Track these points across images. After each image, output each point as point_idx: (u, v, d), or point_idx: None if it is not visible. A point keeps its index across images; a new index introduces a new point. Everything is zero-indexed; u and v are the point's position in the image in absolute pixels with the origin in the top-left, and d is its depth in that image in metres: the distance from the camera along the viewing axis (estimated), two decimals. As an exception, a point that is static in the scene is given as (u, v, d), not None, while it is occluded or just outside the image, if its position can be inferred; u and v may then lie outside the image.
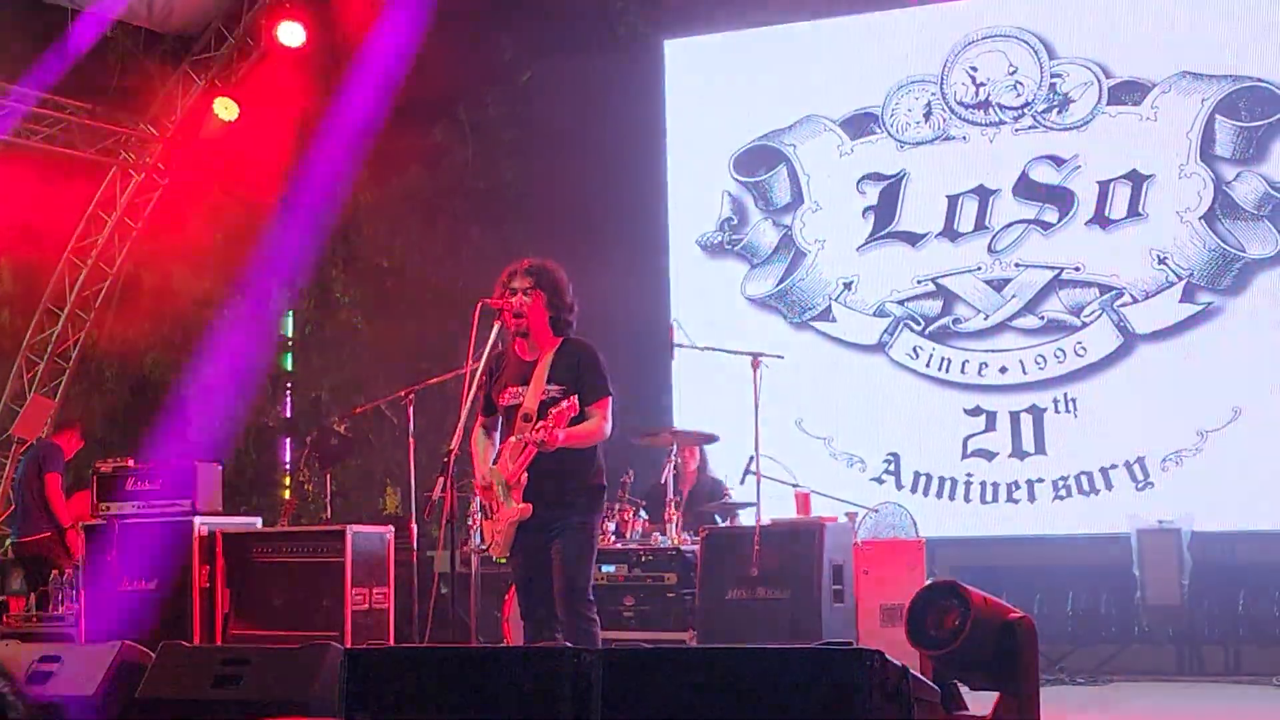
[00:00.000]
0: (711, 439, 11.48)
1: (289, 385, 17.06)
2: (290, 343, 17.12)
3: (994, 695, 6.72)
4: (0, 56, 14.48)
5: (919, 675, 5.47)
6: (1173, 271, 12.27)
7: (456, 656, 6.15)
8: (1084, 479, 12.37)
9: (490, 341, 7.41)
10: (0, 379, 16.44)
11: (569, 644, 6.85)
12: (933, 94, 13.15)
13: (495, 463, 7.41)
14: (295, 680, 7.13)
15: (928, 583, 6.77)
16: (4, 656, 8.27)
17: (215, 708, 7.07)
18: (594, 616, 7.28)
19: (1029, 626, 6.52)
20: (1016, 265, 12.77)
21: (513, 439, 7.28)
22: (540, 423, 7.12)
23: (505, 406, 7.42)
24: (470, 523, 10.40)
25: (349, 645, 8.92)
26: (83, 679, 7.87)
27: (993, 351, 12.82)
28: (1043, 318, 12.66)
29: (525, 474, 7.18)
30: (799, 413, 13.08)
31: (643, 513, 10.88)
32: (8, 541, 15.02)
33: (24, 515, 12.74)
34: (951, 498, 12.76)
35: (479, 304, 7.40)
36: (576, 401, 7.12)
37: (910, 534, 11.05)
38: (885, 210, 13.24)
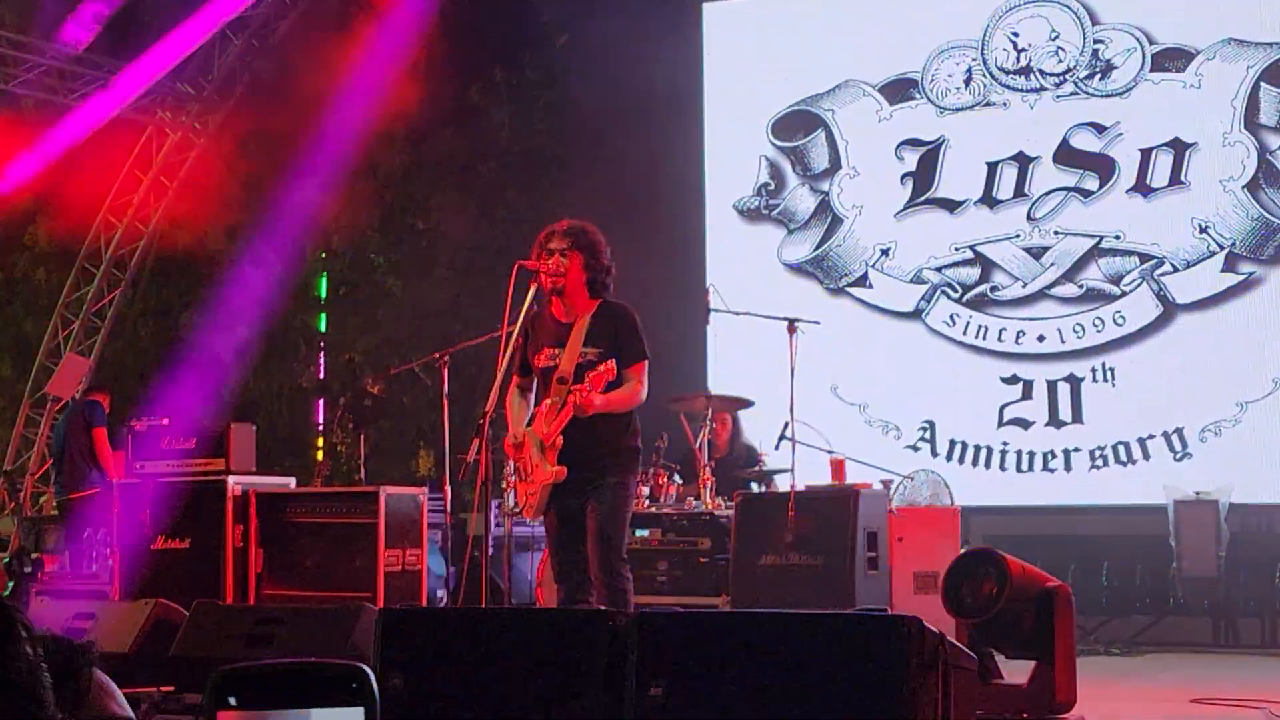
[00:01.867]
0: (747, 404, 11.47)
1: (323, 346, 17.09)
2: (324, 304, 17.15)
3: (1028, 664, 6.72)
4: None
5: (955, 642, 5.46)
6: (1214, 241, 12.19)
7: (492, 618, 6.16)
8: (1121, 449, 12.32)
9: (526, 303, 7.40)
10: (35, 337, 16.51)
11: (603, 606, 6.86)
12: (973, 59, 13.07)
13: (530, 425, 7.41)
14: (328, 640, 7.17)
15: (964, 550, 6.76)
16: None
17: (248, 666, 7.08)
18: (628, 578, 7.28)
19: (1066, 595, 6.52)
20: (1056, 233, 12.70)
21: (548, 401, 7.28)
22: (577, 386, 7.11)
23: (541, 368, 7.41)
24: (505, 485, 10.42)
25: (381, 606, 8.95)
26: (117, 636, 7.92)
27: (1030, 320, 12.76)
28: (1082, 286, 12.59)
29: (560, 437, 7.18)
30: (834, 379, 13.05)
31: (677, 477, 10.88)
32: (42, 499, 15.09)
33: (71, 471, 12.78)
34: (987, 466, 12.73)
35: (516, 265, 7.40)
36: (614, 365, 7.10)
37: (945, 502, 11.02)
38: (924, 176, 13.18)
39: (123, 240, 16.29)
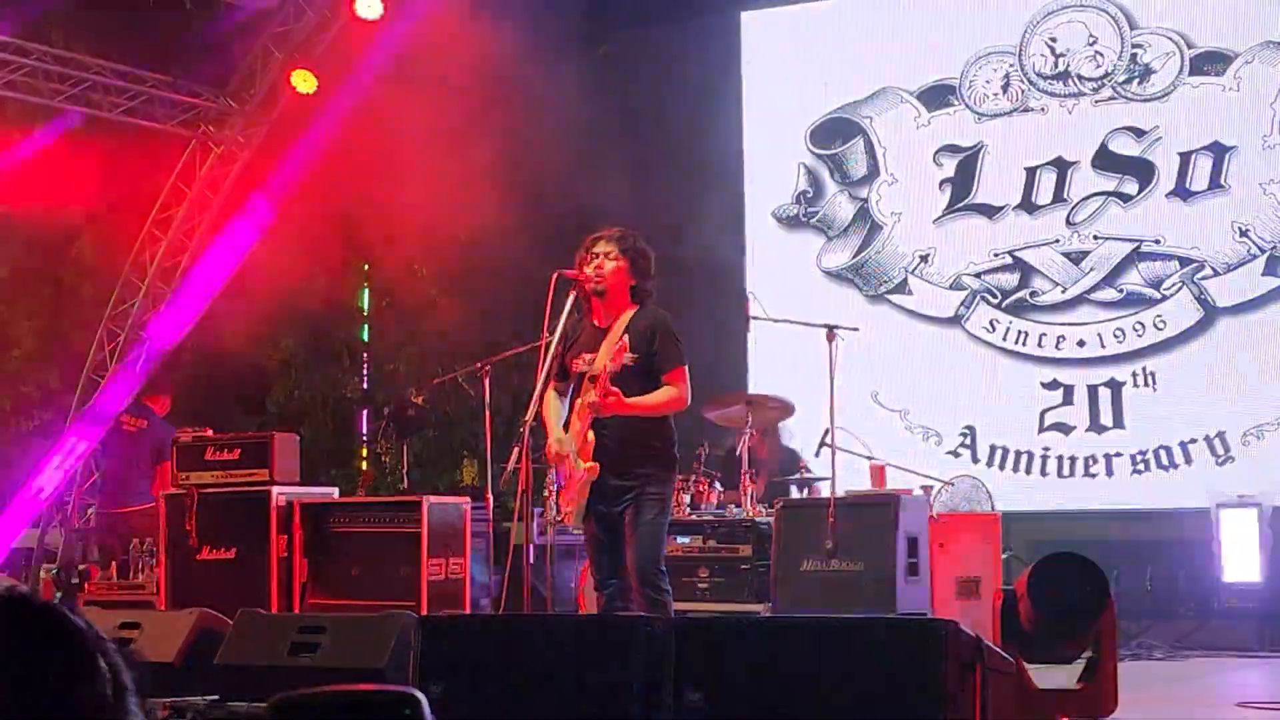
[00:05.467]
0: (788, 409, 11.45)
1: (366, 357, 17.13)
2: (367, 315, 17.20)
3: (1049, 669, 6.70)
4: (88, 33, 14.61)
5: (994, 646, 5.44)
6: (1255, 244, 12.12)
7: (528, 624, 6.17)
8: (1163, 453, 12.26)
9: (565, 311, 7.41)
10: (82, 351, 16.57)
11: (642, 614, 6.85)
12: (1011, 65, 13.03)
13: (565, 429, 7.43)
14: (371, 648, 7.18)
15: (1052, 553, 6.69)
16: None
17: (291, 674, 7.12)
18: (666, 588, 7.27)
19: (1111, 601, 6.49)
20: (1095, 238, 12.65)
21: (579, 400, 7.30)
22: (603, 371, 7.12)
23: (578, 373, 7.44)
24: (546, 493, 10.42)
25: (424, 615, 8.96)
26: (162, 646, 7.96)
27: (1070, 325, 12.72)
28: (1122, 291, 12.54)
29: (592, 435, 7.19)
30: (874, 385, 13.02)
31: (718, 484, 10.87)
32: (90, 510, 15.14)
33: (133, 486, 12.75)
34: (1028, 471, 12.68)
35: (555, 275, 7.41)
36: (626, 342, 7.13)
37: (986, 507, 10.98)
38: (962, 182, 13.15)
39: (167, 254, 16.34)
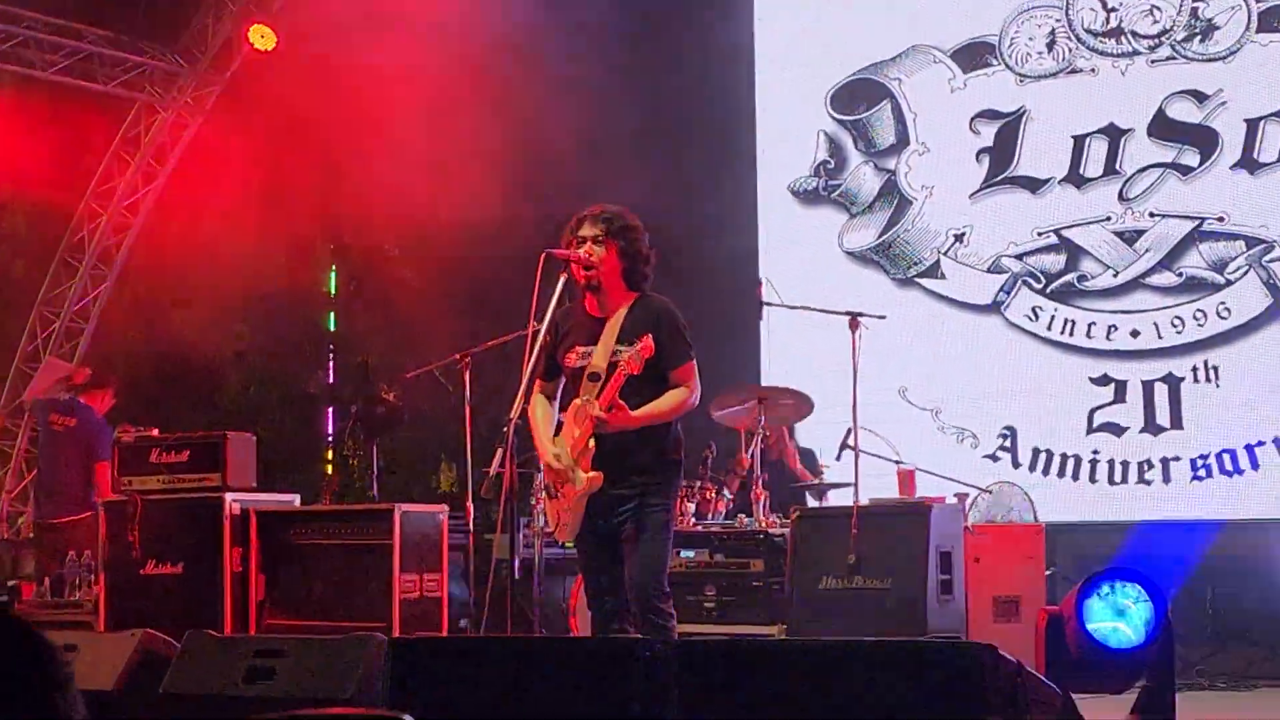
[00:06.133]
0: (806, 404, 11.45)
1: (332, 348, 17.13)
2: (334, 301, 17.19)
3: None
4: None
5: (1036, 673, 5.42)
6: (1331, 222, 12.14)
7: (514, 648, 6.15)
8: (1226, 457, 12.25)
9: (555, 297, 7.38)
10: (13, 338, 16.54)
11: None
12: (1057, 20, 13.01)
13: (558, 434, 7.39)
14: (335, 674, 7.15)
15: (1112, 568, 6.69)
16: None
17: (246, 704, 7.09)
18: (670, 610, 7.23)
19: (1168, 624, 6.47)
20: (1151, 215, 12.64)
21: (577, 401, 7.26)
22: (606, 386, 7.09)
23: (571, 368, 7.40)
24: (534, 502, 10.41)
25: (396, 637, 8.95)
26: (100, 671, 7.93)
27: (1123, 313, 12.71)
28: (1181, 274, 12.53)
29: (592, 441, 7.16)
30: (903, 381, 13.03)
31: (726, 491, 10.86)
32: (20, 520, 15.14)
33: (63, 493, 12.69)
34: (1075, 477, 12.67)
35: (543, 254, 7.38)
36: (651, 341, 7.08)
37: (1028, 518, 10.98)
38: (1002, 152, 13.14)
39: (108, 231, 16.33)
